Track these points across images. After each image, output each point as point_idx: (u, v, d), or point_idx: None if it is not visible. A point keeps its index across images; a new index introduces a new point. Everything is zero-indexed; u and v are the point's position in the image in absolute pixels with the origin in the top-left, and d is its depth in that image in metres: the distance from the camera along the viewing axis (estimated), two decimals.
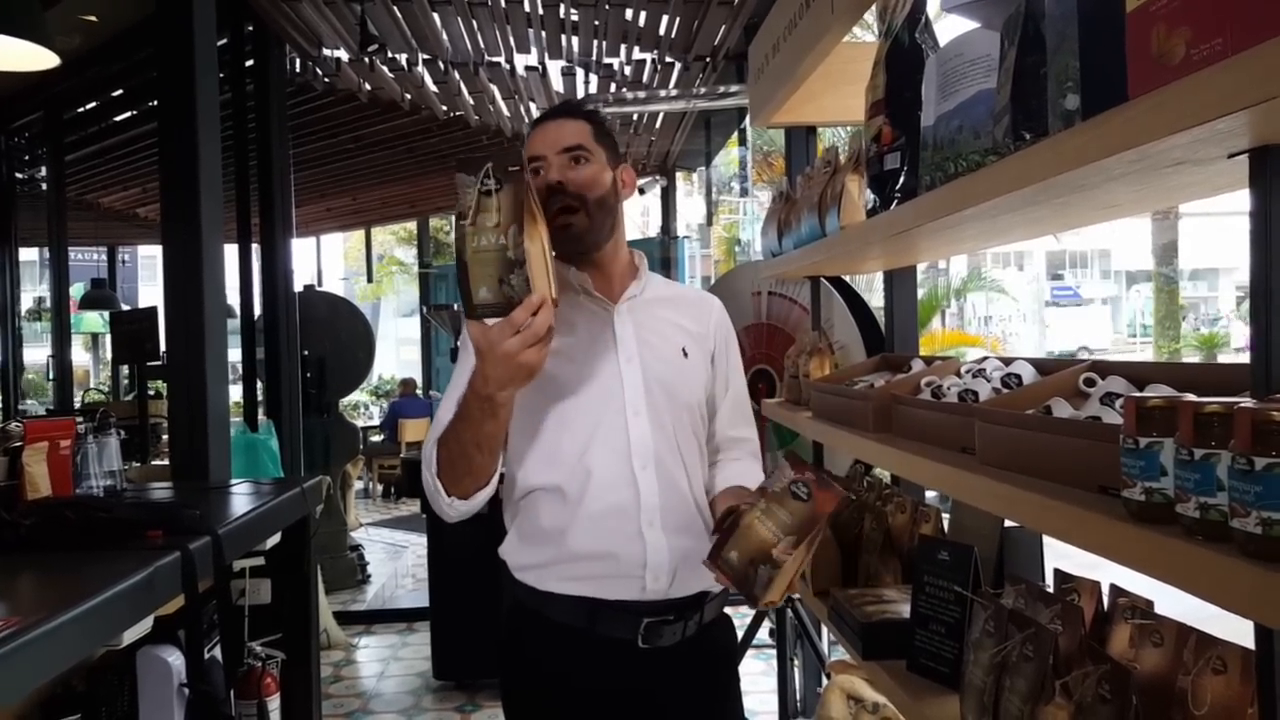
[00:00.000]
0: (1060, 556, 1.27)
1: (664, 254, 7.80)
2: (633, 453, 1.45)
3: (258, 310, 4.42)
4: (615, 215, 1.54)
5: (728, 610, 1.58)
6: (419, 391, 10.19)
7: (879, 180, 1.40)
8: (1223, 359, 17.89)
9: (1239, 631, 0.84)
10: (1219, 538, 0.68)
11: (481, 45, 4.64)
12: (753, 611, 3.09)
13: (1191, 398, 0.73)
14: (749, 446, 1.66)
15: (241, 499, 2.25)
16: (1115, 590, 1.14)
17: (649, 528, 1.43)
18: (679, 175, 8.50)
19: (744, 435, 1.65)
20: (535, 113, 5.89)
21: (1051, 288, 32.88)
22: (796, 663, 2.88)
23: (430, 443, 1.43)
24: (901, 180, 1.34)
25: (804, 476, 1.23)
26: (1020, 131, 0.97)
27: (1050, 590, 1.20)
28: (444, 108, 5.59)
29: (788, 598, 1.34)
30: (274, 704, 2.13)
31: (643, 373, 1.48)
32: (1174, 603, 0.94)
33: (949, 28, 1.28)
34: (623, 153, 1.60)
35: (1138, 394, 0.83)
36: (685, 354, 1.54)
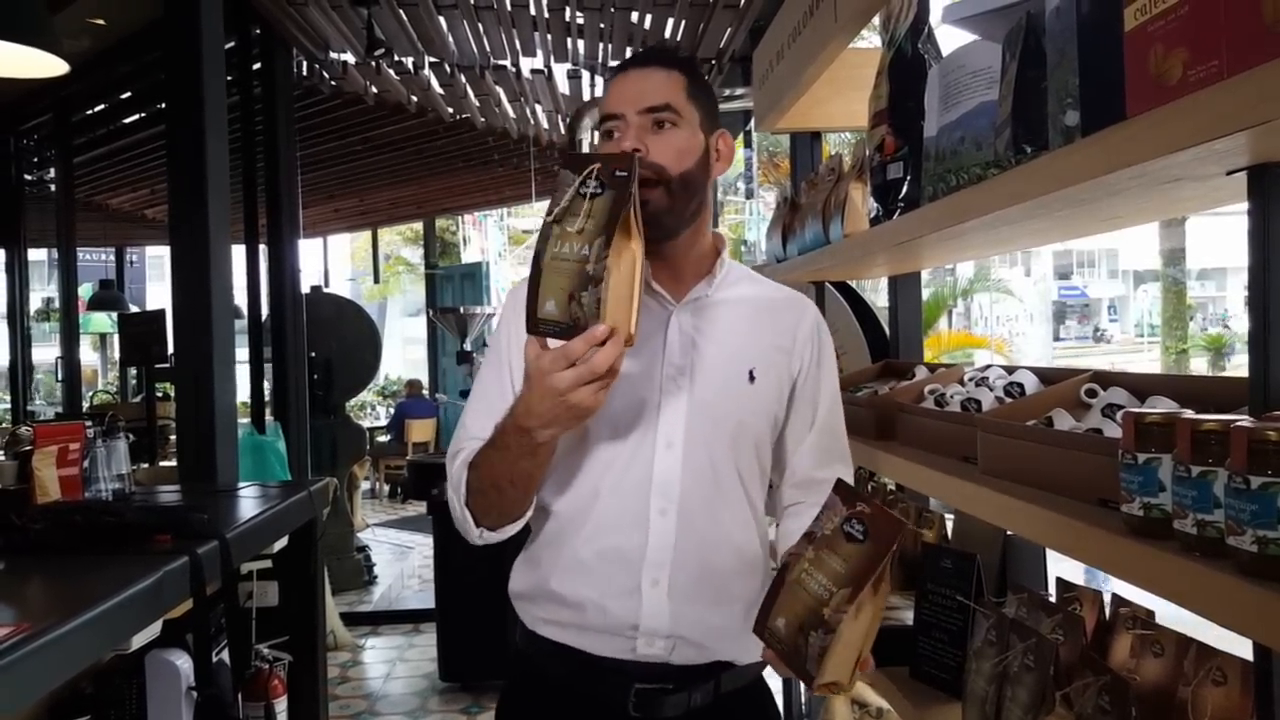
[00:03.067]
0: (1062, 561, 1.27)
1: None
2: (653, 492, 1.19)
3: (265, 311, 4.44)
4: (703, 195, 1.23)
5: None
6: (425, 392, 10.22)
7: (882, 190, 1.40)
8: (1231, 359, 17.84)
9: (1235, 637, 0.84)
10: (1216, 554, 0.68)
11: (487, 48, 4.65)
12: None
13: (1189, 414, 0.73)
14: None
15: (249, 502, 2.26)
16: (1117, 600, 1.15)
17: (651, 586, 1.18)
18: None
19: (833, 476, 1.24)
20: (542, 116, 5.91)
21: (1059, 287, 32.81)
22: None
23: (459, 462, 1.20)
24: (905, 190, 1.35)
25: (857, 510, 0.99)
26: (1021, 145, 0.98)
27: (1052, 599, 1.21)
28: (450, 110, 5.61)
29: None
30: (281, 705, 2.14)
31: (689, 394, 1.21)
32: (1175, 610, 0.95)
33: (950, 36, 1.29)
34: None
35: (1137, 409, 0.84)
36: (752, 377, 1.23)
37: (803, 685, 2.99)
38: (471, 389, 1.31)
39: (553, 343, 1.02)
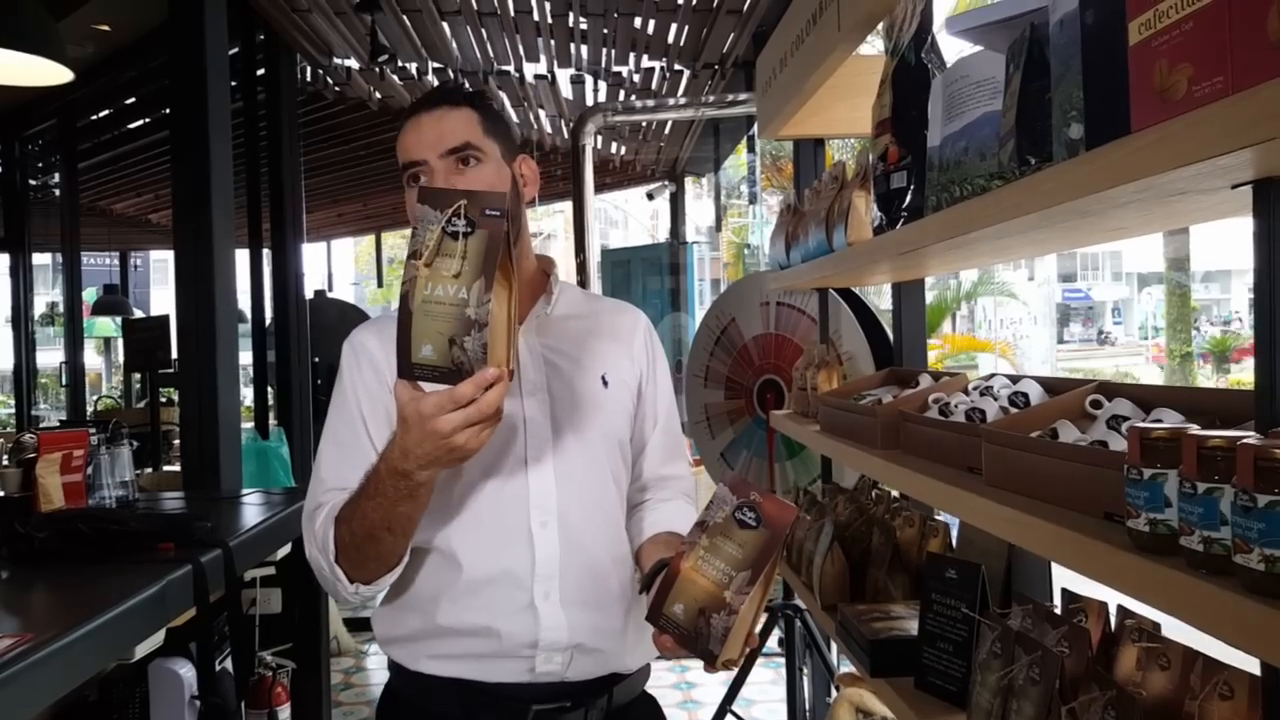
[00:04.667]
0: (1067, 571, 1.26)
1: (673, 258, 7.82)
2: (531, 506, 1.21)
3: (268, 316, 4.45)
4: (519, 220, 1.28)
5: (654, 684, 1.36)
6: None
7: (885, 199, 1.40)
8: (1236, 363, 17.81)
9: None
10: (1223, 572, 0.68)
11: (491, 54, 4.66)
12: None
13: (1195, 430, 0.73)
14: (681, 485, 1.42)
15: (252, 509, 2.26)
16: (1122, 611, 1.14)
17: (544, 599, 1.20)
18: (688, 180, 8.53)
19: (676, 473, 1.41)
20: (545, 121, 5.92)
21: (1062, 290, 32.78)
22: (805, 673, 2.88)
23: (323, 519, 1.18)
24: (908, 199, 1.35)
25: (749, 499, 1.05)
26: (1025, 156, 0.97)
27: (1057, 610, 1.20)
28: None
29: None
30: (285, 713, 2.14)
31: (550, 408, 1.25)
32: (1180, 622, 0.94)
33: (953, 45, 1.29)
34: (522, 142, 1.32)
35: (1142, 424, 0.83)
36: (605, 383, 1.30)
37: (806, 691, 2.96)
38: (321, 439, 1.29)
39: (429, 386, 1.01)
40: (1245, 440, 0.65)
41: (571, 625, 1.21)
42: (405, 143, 1.24)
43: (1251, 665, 0.85)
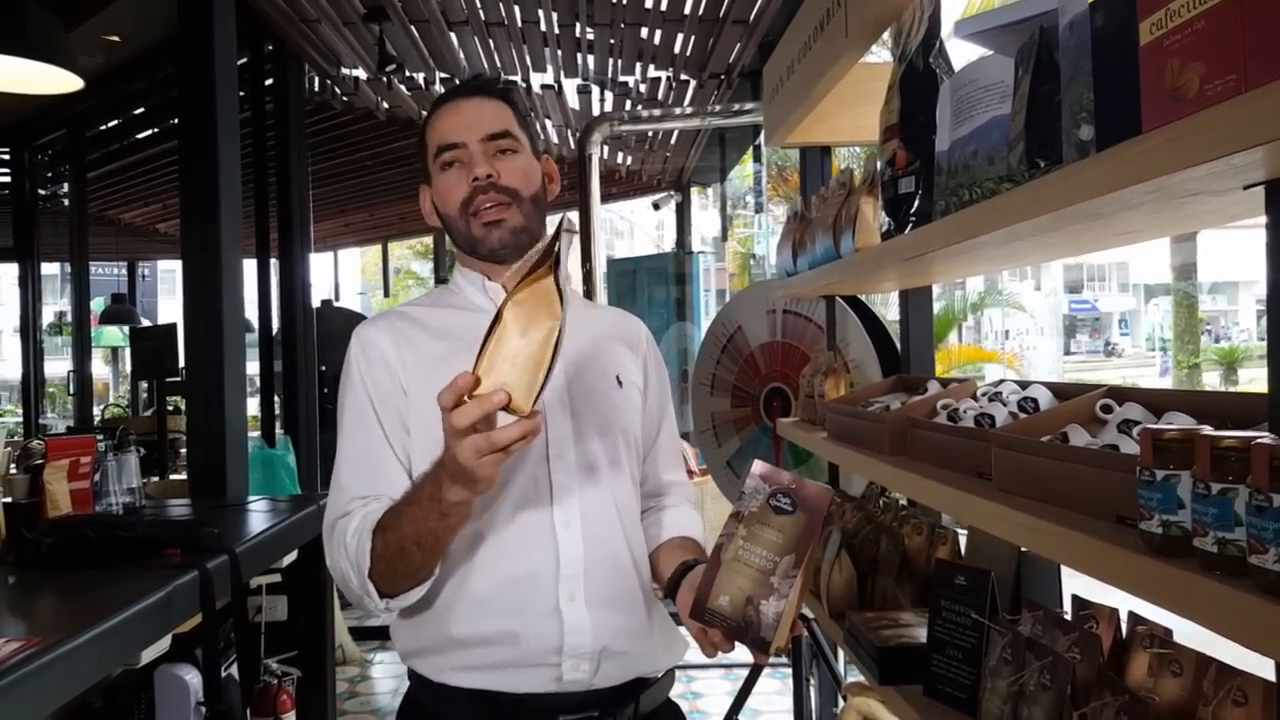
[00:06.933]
0: (1077, 578, 1.25)
1: (679, 268, 7.83)
2: (555, 505, 1.19)
3: (275, 325, 4.46)
4: (545, 216, 1.30)
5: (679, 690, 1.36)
6: None
7: (894, 204, 1.40)
8: (1244, 374, 17.75)
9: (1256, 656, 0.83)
10: (1237, 573, 0.67)
11: (498, 64, 4.68)
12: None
13: (1208, 431, 0.72)
14: (686, 491, 1.42)
15: (259, 516, 2.26)
16: (1134, 618, 1.13)
17: (569, 601, 1.17)
18: (694, 190, 8.54)
19: (679, 479, 1.42)
20: (552, 130, 5.93)
21: (1069, 301, 32.71)
22: (812, 682, 2.87)
23: (355, 529, 1.12)
24: (916, 204, 1.34)
25: (783, 485, 1.06)
26: (1034, 159, 0.97)
27: (1068, 617, 1.20)
28: None
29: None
30: None
31: (570, 406, 1.24)
32: (1192, 627, 0.93)
33: (961, 50, 1.29)
34: (543, 148, 1.32)
35: (1154, 425, 0.83)
36: (619, 382, 1.30)
37: (813, 700, 2.94)
38: (339, 445, 1.23)
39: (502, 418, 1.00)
40: (1260, 440, 0.64)
41: (596, 627, 1.17)
42: (442, 125, 1.24)
43: (1266, 670, 0.84)
